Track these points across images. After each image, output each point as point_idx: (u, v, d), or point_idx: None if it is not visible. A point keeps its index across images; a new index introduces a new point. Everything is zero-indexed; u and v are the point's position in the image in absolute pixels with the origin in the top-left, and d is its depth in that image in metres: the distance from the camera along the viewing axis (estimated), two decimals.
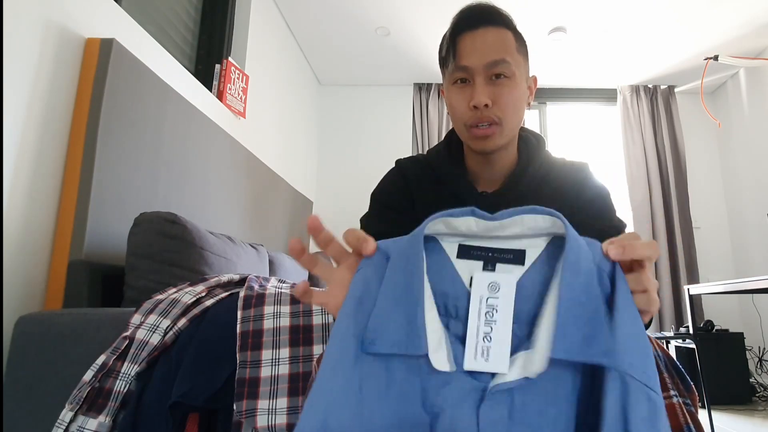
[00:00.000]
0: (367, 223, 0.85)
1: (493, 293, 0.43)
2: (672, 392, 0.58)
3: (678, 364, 0.63)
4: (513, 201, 0.79)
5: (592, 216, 0.80)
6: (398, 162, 0.92)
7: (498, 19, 0.76)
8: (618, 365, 0.37)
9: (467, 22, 0.76)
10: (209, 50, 2.44)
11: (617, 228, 0.81)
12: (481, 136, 0.76)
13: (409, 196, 0.85)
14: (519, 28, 0.82)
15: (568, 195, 0.82)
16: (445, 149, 0.89)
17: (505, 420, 0.38)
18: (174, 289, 1.15)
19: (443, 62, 0.80)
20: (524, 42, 0.81)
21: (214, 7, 2.51)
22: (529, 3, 2.91)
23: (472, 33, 0.75)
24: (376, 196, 0.89)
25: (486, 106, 0.74)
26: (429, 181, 0.86)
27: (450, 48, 0.76)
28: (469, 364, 0.41)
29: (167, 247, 1.33)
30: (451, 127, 0.91)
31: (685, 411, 0.57)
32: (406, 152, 3.88)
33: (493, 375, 0.40)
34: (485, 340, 0.41)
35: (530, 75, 0.84)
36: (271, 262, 2.10)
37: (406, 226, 0.68)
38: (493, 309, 0.42)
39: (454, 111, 0.79)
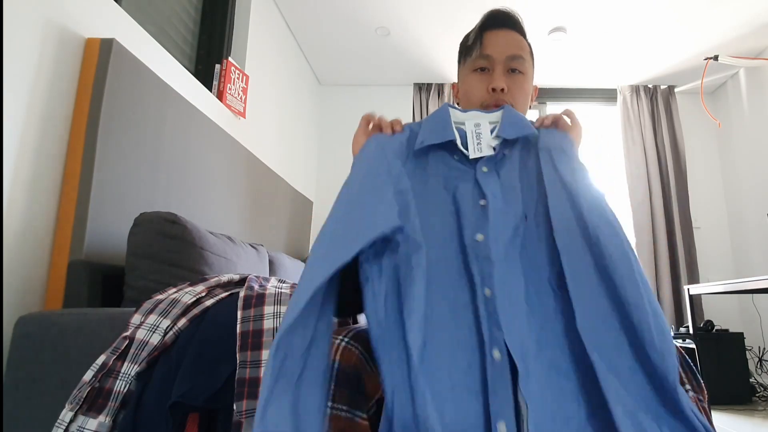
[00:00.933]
0: None
1: (479, 125, 0.80)
2: (687, 386, 0.62)
3: (690, 362, 0.65)
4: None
5: None
6: None
7: (519, 26, 0.91)
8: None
9: (495, 21, 0.89)
10: (209, 50, 2.44)
11: None
12: (496, 107, 0.88)
13: None
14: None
15: None
16: None
17: (497, 182, 0.74)
18: (174, 289, 1.16)
19: (467, 51, 0.91)
20: (533, 54, 0.95)
21: (214, 7, 2.51)
22: (529, 3, 2.91)
23: (497, 31, 0.89)
24: None
25: (502, 90, 0.87)
26: None
27: (477, 39, 0.89)
28: (471, 154, 0.78)
29: (167, 247, 1.33)
30: None
31: (700, 407, 0.59)
32: None
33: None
34: (478, 142, 0.78)
35: (533, 83, 0.96)
36: (271, 262, 2.10)
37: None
38: (479, 130, 0.79)
39: (471, 94, 0.91)
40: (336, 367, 0.67)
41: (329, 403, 0.64)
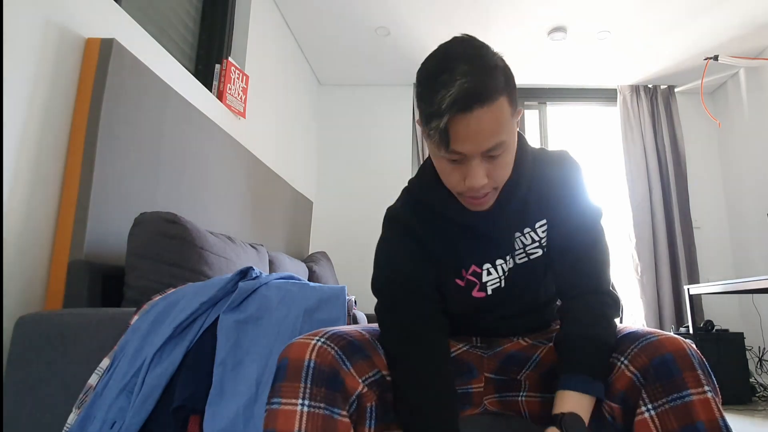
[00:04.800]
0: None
1: None
2: (707, 388, 0.64)
3: (707, 363, 0.66)
4: (506, 213, 0.80)
5: (576, 228, 0.82)
6: (393, 217, 0.86)
7: (492, 94, 0.65)
8: None
9: (459, 105, 0.64)
10: (209, 50, 2.44)
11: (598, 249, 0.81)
12: (476, 204, 0.75)
13: (420, 249, 0.83)
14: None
15: (551, 200, 0.83)
16: (433, 180, 0.81)
17: None
18: (173, 290, 1.15)
19: (429, 134, 0.68)
20: (514, 86, 0.71)
21: (214, 7, 2.51)
22: (529, 3, 2.91)
23: (466, 116, 0.65)
24: (389, 271, 0.84)
25: (483, 186, 0.71)
26: (431, 221, 0.83)
27: (442, 130, 0.66)
28: None
29: (167, 247, 1.33)
30: (420, 166, 0.87)
31: (717, 409, 0.61)
32: (406, 152, 3.87)
33: None
34: None
35: (516, 109, 0.73)
36: (271, 262, 2.10)
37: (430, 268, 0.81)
38: None
39: (445, 179, 0.74)
40: (311, 366, 0.67)
41: (306, 401, 0.64)
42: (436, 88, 0.66)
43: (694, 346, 0.69)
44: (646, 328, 0.74)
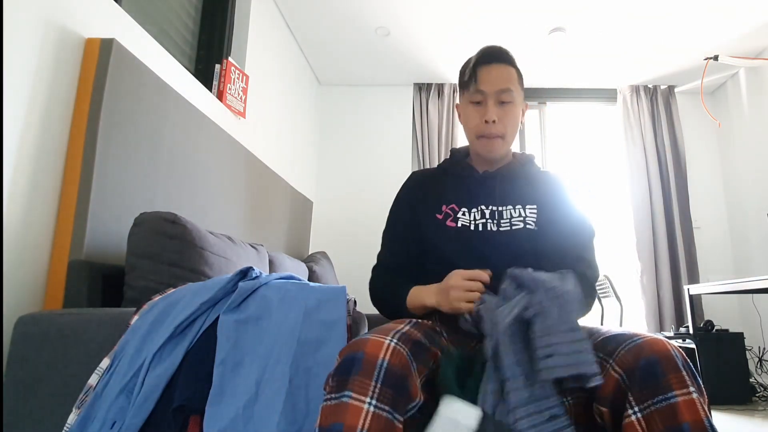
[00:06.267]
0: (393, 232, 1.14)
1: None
2: (691, 388, 0.66)
3: (691, 364, 0.67)
4: (502, 179, 1.08)
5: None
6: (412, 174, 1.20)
7: (506, 58, 1.06)
8: None
9: (485, 58, 1.05)
10: (209, 50, 2.44)
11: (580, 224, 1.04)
12: (488, 147, 1.05)
13: (413, 198, 1.12)
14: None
15: (540, 190, 1.08)
16: (457, 155, 1.16)
17: None
18: (173, 290, 1.15)
19: (464, 86, 1.07)
20: (522, 77, 1.09)
21: (214, 7, 2.51)
22: (529, 3, 2.91)
23: (488, 66, 1.04)
24: (393, 208, 1.16)
25: (494, 121, 1.02)
26: (434, 178, 1.14)
27: (471, 76, 1.04)
28: None
29: (167, 247, 1.33)
30: (451, 148, 1.15)
31: (702, 409, 0.61)
32: (406, 152, 3.87)
33: None
34: None
35: (524, 101, 1.10)
36: (271, 262, 2.10)
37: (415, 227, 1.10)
38: None
39: (468, 123, 1.07)
40: (384, 366, 0.68)
41: (373, 401, 0.65)
42: (472, 57, 1.07)
43: (678, 347, 0.70)
44: (632, 331, 0.76)
